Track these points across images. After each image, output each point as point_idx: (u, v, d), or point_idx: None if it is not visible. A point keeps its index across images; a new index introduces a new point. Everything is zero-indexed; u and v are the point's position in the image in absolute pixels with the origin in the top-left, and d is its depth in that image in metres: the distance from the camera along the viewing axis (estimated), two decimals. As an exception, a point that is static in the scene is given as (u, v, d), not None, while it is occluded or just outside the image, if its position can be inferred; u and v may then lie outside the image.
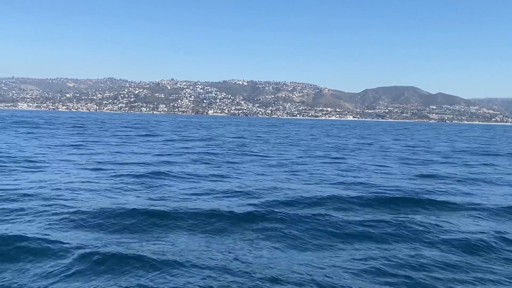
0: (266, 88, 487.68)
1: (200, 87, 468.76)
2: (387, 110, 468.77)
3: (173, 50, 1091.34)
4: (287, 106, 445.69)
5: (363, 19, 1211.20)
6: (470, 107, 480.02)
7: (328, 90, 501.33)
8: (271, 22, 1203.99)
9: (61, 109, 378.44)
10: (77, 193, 16.77)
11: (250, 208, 14.72)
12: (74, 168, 23.86)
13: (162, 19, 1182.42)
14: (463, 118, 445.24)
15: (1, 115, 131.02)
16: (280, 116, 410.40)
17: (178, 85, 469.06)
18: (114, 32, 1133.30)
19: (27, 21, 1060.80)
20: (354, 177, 23.31)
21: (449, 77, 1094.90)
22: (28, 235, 11.12)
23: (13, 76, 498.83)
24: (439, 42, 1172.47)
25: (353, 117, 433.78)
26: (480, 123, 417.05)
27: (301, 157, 34.27)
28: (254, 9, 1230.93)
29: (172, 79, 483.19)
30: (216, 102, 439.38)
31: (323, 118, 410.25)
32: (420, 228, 13.05)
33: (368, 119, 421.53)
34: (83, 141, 43.47)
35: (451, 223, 13.80)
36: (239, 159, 31.13)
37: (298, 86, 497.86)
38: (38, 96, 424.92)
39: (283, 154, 36.35)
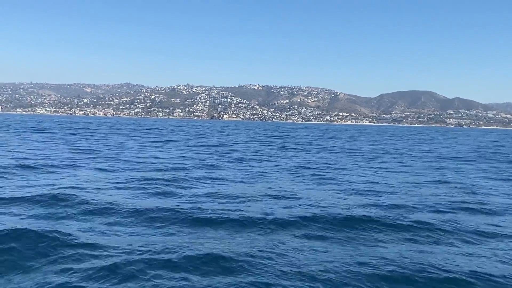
0: (281, 92, 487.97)
1: (215, 92, 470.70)
2: (403, 115, 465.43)
3: (189, 56, 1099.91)
4: (302, 111, 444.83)
5: (379, 24, 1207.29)
6: (488, 112, 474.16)
7: (344, 94, 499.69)
8: (286, 28, 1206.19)
9: (78, 114, 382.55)
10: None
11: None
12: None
13: (177, 25, 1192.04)
14: (481, 123, 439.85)
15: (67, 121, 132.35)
16: (295, 121, 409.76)
17: (194, 90, 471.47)
18: (131, 38, 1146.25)
19: (45, 28, 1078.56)
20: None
21: (466, 81, 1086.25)
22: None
23: (31, 82, 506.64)
24: (456, 46, 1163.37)
25: (369, 122, 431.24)
26: (498, 128, 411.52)
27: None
28: (269, 15, 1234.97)
29: (187, 84, 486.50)
30: (231, 107, 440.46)
31: (339, 123, 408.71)
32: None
33: (385, 124, 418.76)
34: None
35: None
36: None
37: (314, 90, 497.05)
38: (56, 101, 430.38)
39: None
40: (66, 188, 17.72)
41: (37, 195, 15.83)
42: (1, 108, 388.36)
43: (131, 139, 56.21)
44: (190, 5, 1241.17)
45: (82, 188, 17.97)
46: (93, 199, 15.69)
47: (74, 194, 16.15)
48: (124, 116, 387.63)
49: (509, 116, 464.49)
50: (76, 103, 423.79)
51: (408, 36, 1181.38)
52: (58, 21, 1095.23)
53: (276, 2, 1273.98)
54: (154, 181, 20.29)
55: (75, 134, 61.66)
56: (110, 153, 34.33)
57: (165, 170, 24.78)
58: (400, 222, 13.74)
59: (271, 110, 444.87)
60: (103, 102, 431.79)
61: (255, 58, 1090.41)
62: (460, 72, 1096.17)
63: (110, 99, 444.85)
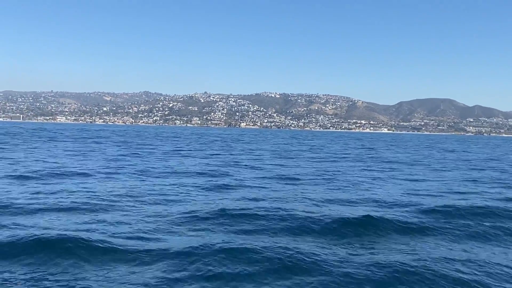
0: (299, 100, 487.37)
1: (232, 100, 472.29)
2: (422, 123, 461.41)
3: (206, 64, 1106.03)
4: (320, 118, 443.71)
5: (398, 32, 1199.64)
6: (509, 120, 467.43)
7: (362, 102, 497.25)
8: (304, 36, 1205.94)
9: (98, 122, 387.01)
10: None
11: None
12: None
13: (195, 34, 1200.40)
14: (501, 131, 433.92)
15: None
16: (312, 129, 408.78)
17: (211, 98, 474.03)
18: (149, 48, 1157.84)
19: (66, 38, 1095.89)
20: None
21: (486, 89, 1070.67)
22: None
23: (52, 90, 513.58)
24: (476, 54, 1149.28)
25: (388, 130, 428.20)
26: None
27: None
28: (287, 23, 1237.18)
29: (205, 92, 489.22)
30: (249, 115, 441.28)
31: (357, 130, 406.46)
32: None
33: (403, 132, 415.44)
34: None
35: None
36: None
37: (331, 98, 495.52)
38: (76, 110, 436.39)
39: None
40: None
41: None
42: (22, 117, 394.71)
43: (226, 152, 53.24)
44: (207, 14, 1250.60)
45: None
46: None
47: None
48: (143, 124, 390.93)
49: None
50: (95, 111, 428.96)
51: (427, 43, 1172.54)
52: (78, 31, 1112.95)
53: (294, 11, 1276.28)
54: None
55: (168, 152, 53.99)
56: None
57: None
58: None
59: (289, 118, 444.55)
60: (122, 111, 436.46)
61: (273, 66, 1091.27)
62: (480, 80, 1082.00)
63: (129, 107, 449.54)
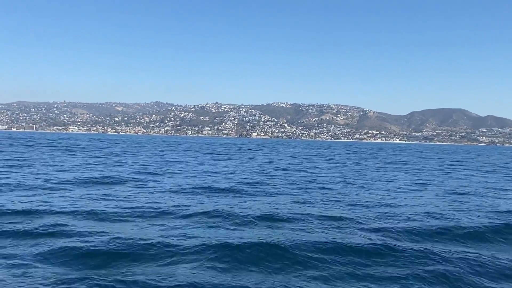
0: (310, 110, 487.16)
1: (243, 110, 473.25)
2: (434, 133, 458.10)
3: (218, 74, 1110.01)
4: (331, 128, 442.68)
5: (409, 42, 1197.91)
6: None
7: (373, 112, 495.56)
8: (315, 46, 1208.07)
9: (110, 132, 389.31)
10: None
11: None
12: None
13: (206, 45, 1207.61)
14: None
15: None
16: (324, 139, 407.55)
17: (222, 108, 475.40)
18: (161, 58, 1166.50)
19: (78, 49, 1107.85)
20: None
21: (499, 99, 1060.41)
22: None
23: (64, 101, 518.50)
24: (488, 63, 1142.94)
25: (399, 140, 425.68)
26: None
27: None
28: (298, 33, 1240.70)
29: (216, 102, 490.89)
30: (260, 125, 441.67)
31: (368, 140, 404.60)
32: None
33: (415, 142, 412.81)
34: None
35: None
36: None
37: (342, 108, 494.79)
38: (88, 120, 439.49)
39: None
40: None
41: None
42: (35, 127, 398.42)
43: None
44: (218, 25, 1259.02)
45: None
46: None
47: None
48: (154, 134, 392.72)
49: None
50: (107, 121, 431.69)
51: (439, 53, 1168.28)
52: (90, 42, 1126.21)
53: (305, 21, 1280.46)
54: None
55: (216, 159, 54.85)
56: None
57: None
58: None
59: (300, 128, 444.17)
60: (134, 121, 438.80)
61: (284, 76, 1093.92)
62: (493, 90, 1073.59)
63: (141, 117, 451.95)
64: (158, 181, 26.20)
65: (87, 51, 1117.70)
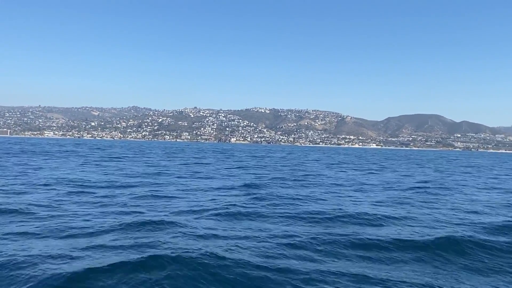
0: (289, 116, 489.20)
1: (222, 115, 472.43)
2: (410, 138, 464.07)
3: (196, 79, 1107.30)
4: (310, 134, 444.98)
5: (385, 47, 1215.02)
6: (496, 135, 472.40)
7: (351, 118, 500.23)
8: (293, 51, 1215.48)
9: (86, 137, 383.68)
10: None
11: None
12: None
13: (184, 49, 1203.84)
14: (489, 146, 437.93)
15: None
16: (302, 144, 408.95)
17: (201, 113, 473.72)
18: (138, 62, 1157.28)
19: (53, 53, 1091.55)
20: None
21: (473, 105, 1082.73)
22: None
23: (39, 105, 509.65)
24: (463, 70, 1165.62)
25: (376, 145, 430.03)
26: (507, 151, 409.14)
27: None
28: (276, 39, 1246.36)
29: (195, 107, 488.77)
30: (239, 130, 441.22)
31: (346, 146, 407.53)
32: None
33: (392, 147, 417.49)
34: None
35: None
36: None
37: (321, 114, 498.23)
38: (64, 125, 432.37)
39: None
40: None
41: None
42: (10, 132, 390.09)
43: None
44: (197, 29, 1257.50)
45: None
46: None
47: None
48: (132, 139, 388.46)
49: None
50: (83, 126, 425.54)
51: (414, 59, 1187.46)
52: (66, 46, 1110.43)
53: (283, 26, 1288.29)
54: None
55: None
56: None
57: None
58: None
59: (279, 133, 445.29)
60: (111, 125, 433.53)
61: (263, 81, 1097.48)
62: (467, 96, 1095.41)
63: (118, 122, 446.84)
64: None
65: (63, 54, 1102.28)
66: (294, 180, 31.07)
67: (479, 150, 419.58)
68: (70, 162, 43.15)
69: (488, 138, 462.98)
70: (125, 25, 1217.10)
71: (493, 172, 51.76)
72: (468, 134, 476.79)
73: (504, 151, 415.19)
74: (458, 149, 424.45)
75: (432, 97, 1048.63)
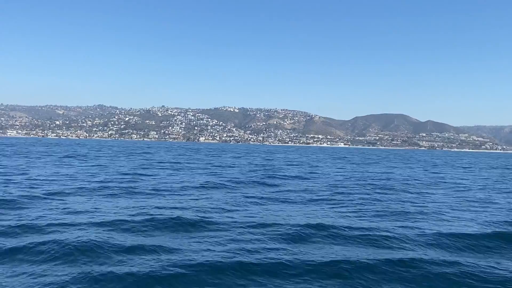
0: (258, 115, 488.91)
1: (191, 114, 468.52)
2: (377, 138, 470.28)
3: (164, 77, 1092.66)
4: (279, 133, 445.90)
5: (353, 48, 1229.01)
6: (460, 135, 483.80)
7: (319, 117, 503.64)
8: (262, 50, 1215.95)
9: (50, 137, 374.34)
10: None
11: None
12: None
13: (151, 45, 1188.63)
14: (453, 145, 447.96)
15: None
16: (271, 143, 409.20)
17: (169, 112, 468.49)
18: (103, 59, 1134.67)
19: (15, 49, 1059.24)
20: None
21: (438, 105, 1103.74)
22: None
23: (2, 103, 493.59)
24: (428, 70, 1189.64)
25: (344, 144, 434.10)
26: (470, 150, 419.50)
27: None
28: (245, 37, 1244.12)
29: (162, 106, 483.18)
30: (208, 129, 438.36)
31: (315, 145, 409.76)
32: None
33: (359, 146, 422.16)
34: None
35: None
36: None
37: (289, 113, 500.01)
38: (27, 124, 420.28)
39: None
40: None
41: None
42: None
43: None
44: (164, 26, 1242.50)
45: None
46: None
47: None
48: (98, 138, 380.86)
49: (480, 139, 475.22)
50: (48, 125, 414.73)
51: (381, 58, 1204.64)
52: (27, 42, 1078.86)
53: (250, 25, 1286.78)
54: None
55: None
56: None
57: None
58: None
59: (248, 132, 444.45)
60: (76, 124, 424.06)
61: (231, 80, 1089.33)
62: (432, 96, 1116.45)
63: (83, 121, 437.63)
64: None
65: (26, 51, 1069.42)
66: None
67: (443, 149, 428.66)
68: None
69: (452, 137, 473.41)
70: (89, 20, 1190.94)
71: None
72: (433, 133, 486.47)
73: (468, 150, 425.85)
74: (423, 148, 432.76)
75: (398, 97, 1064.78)
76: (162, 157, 71.58)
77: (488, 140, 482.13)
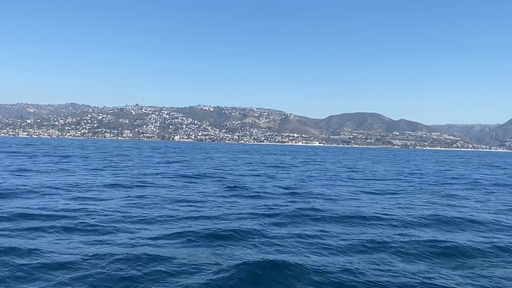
0: (233, 113, 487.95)
1: (165, 112, 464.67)
2: (351, 136, 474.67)
3: (138, 75, 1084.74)
4: (254, 131, 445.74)
5: (326, 46, 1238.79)
6: (432, 133, 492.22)
7: (294, 116, 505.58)
8: (237, 48, 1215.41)
9: (21, 135, 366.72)
10: None
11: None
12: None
13: (125, 42, 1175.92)
14: (426, 144, 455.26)
15: None
16: (247, 142, 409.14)
17: (143, 110, 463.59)
18: (75, 56, 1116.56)
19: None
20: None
21: (410, 104, 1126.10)
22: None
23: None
24: (400, 70, 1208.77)
25: (319, 143, 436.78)
26: (442, 148, 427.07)
27: None
28: (220, 35, 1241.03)
29: (136, 104, 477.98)
30: (182, 128, 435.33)
31: (290, 143, 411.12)
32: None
33: (334, 145, 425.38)
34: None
35: None
36: None
37: (265, 112, 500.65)
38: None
39: None
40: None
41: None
42: None
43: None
44: (139, 23, 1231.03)
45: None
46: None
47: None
48: (70, 137, 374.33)
49: (451, 137, 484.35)
50: (19, 123, 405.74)
51: (355, 59, 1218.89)
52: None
53: (226, 23, 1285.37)
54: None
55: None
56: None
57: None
58: None
59: (223, 131, 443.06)
60: (48, 123, 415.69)
61: (206, 78, 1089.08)
62: (405, 95, 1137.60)
63: (55, 119, 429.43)
64: None
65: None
66: None
67: (416, 147, 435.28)
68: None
69: (424, 136, 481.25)
70: (62, 16, 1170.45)
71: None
72: (406, 132, 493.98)
73: (440, 148, 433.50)
74: (396, 146, 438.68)
75: (371, 96, 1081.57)
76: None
77: (459, 138, 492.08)
